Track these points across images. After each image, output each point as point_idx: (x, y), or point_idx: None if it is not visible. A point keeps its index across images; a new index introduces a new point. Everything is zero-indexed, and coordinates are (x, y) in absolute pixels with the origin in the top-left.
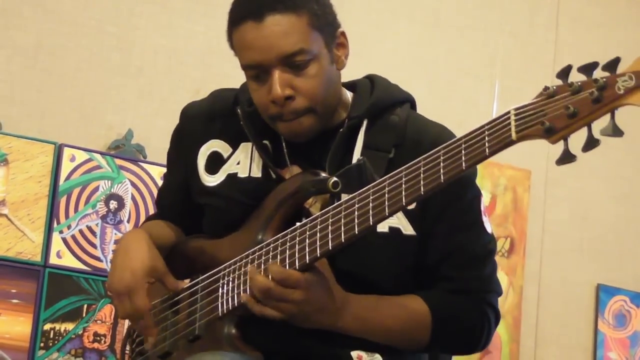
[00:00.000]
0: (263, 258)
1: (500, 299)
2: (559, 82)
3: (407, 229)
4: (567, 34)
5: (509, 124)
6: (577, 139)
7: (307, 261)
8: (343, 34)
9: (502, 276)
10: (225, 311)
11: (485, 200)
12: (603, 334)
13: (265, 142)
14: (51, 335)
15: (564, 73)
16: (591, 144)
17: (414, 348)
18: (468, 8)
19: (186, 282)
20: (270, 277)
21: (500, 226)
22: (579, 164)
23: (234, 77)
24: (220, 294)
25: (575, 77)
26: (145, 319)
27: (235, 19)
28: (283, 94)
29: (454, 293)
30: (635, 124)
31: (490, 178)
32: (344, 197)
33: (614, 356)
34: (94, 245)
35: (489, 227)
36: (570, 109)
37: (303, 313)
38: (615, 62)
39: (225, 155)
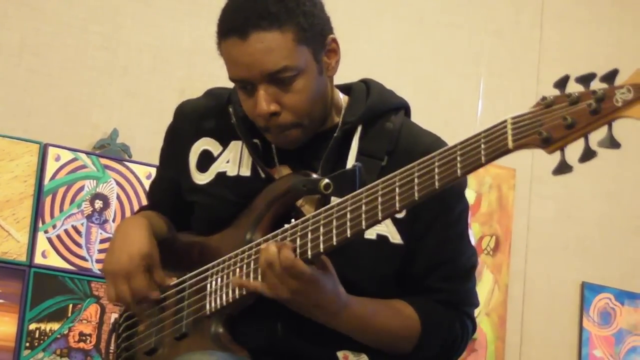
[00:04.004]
0: (253, 258)
1: (485, 297)
2: (549, 87)
3: (395, 238)
4: (552, 33)
5: (506, 132)
6: (574, 149)
7: None
8: (334, 40)
9: (487, 274)
10: (213, 309)
11: (470, 199)
12: (588, 331)
13: (256, 141)
14: (36, 335)
15: (562, 83)
16: (588, 155)
17: (398, 353)
18: (453, 6)
19: (173, 279)
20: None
21: (485, 224)
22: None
23: (220, 76)
24: (208, 293)
25: (573, 87)
26: (145, 300)
27: (222, 32)
28: (268, 110)
29: (440, 303)
30: (621, 123)
31: (475, 176)
32: (334, 200)
33: (599, 354)
34: (79, 245)
35: (473, 240)
36: (568, 120)
37: (296, 302)
38: (613, 73)
39: (215, 154)
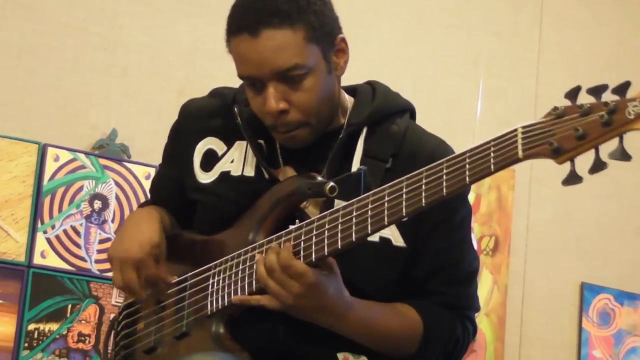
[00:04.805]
0: (255, 259)
1: (485, 298)
2: (549, 92)
3: (398, 241)
4: (551, 33)
5: (516, 141)
6: (583, 159)
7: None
8: (343, 40)
9: (486, 275)
10: (214, 310)
11: (469, 199)
12: (587, 332)
13: (260, 141)
14: (35, 336)
15: (573, 94)
16: (598, 166)
17: (400, 356)
18: (452, 7)
19: (175, 277)
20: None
21: (484, 225)
22: (564, 164)
23: (219, 77)
24: (209, 292)
25: (583, 98)
26: (158, 286)
27: (232, 29)
28: (277, 108)
29: (442, 307)
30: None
31: None
32: (339, 203)
33: (598, 354)
34: (78, 245)
35: (475, 244)
36: (580, 131)
37: (299, 307)
38: (625, 85)
39: (219, 153)
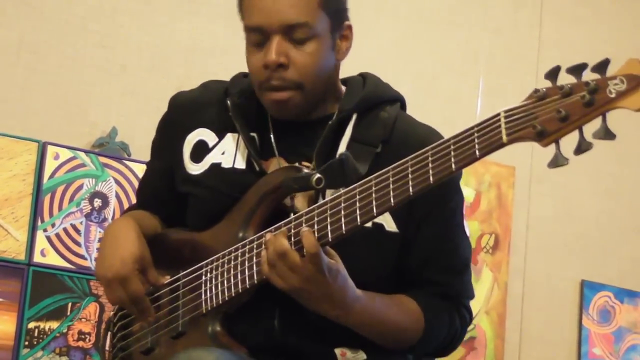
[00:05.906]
0: (247, 255)
1: (485, 296)
2: (547, 82)
3: (391, 226)
4: (551, 31)
5: (499, 126)
6: (569, 140)
7: None
8: (349, 27)
9: (486, 272)
10: (209, 308)
11: (469, 197)
12: (587, 329)
13: (253, 134)
14: (35, 334)
15: (553, 74)
16: (583, 147)
17: (400, 348)
18: (452, 5)
19: (167, 278)
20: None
21: (484, 222)
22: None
23: (218, 74)
24: (203, 291)
25: (564, 78)
26: (143, 303)
27: None
28: (277, 60)
29: (439, 296)
30: (619, 120)
31: (475, 175)
32: (329, 192)
33: (599, 352)
34: (78, 244)
35: (468, 232)
36: (562, 113)
37: (306, 291)
38: (605, 63)
39: (210, 144)
